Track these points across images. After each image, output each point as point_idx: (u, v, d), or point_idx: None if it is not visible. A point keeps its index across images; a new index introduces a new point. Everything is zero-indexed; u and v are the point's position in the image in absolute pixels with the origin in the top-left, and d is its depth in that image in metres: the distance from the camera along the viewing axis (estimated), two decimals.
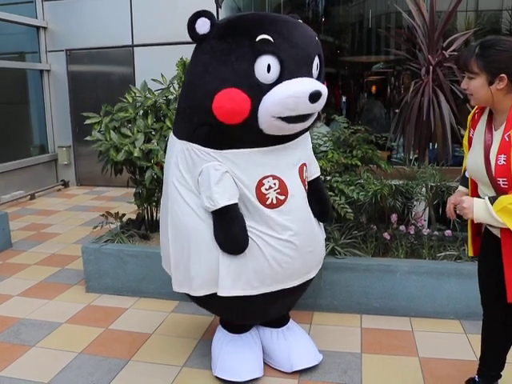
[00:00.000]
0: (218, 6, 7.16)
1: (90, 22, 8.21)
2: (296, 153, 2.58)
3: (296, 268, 2.59)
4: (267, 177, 2.45)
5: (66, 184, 8.78)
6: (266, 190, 2.45)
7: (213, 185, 2.39)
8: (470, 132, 2.26)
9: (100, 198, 7.81)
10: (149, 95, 4.15)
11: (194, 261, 2.52)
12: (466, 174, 2.33)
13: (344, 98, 7.26)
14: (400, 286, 3.45)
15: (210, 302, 2.70)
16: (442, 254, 3.53)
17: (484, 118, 2.18)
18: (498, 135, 2.06)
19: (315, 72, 2.42)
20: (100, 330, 3.42)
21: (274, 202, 2.47)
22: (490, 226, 2.14)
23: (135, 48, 8.18)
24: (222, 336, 2.92)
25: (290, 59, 2.28)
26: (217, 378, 2.79)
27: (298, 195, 2.56)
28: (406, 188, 3.73)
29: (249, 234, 2.46)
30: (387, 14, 6.59)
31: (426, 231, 3.67)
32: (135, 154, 3.84)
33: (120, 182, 4.78)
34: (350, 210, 3.55)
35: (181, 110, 2.60)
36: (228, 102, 2.27)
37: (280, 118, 2.30)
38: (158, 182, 4.11)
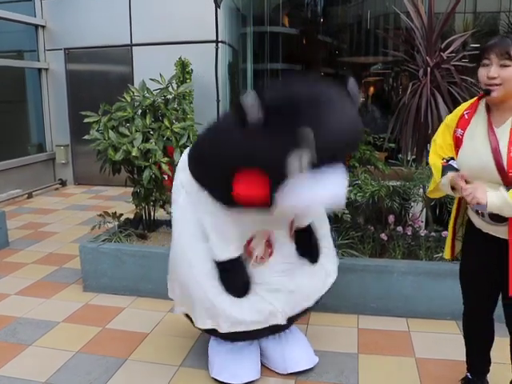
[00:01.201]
0: (217, 6, 7.16)
1: (89, 21, 8.20)
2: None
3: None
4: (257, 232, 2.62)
5: (63, 183, 8.77)
6: (255, 245, 2.64)
7: (218, 235, 2.55)
8: (455, 132, 2.24)
9: (98, 197, 7.81)
10: (147, 95, 4.15)
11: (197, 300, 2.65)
12: (453, 164, 2.25)
13: None
14: (397, 287, 3.46)
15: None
16: (439, 254, 3.53)
17: (480, 117, 2.17)
18: (503, 131, 2.06)
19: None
20: (97, 329, 3.42)
21: (260, 256, 2.65)
22: (495, 224, 2.14)
23: (134, 47, 8.17)
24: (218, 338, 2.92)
25: (325, 152, 2.07)
26: (214, 379, 2.80)
27: (285, 249, 2.71)
28: (403, 189, 3.74)
29: None
30: (385, 15, 6.61)
31: (423, 232, 3.68)
32: (133, 154, 3.84)
33: (118, 181, 4.78)
34: (346, 211, 3.57)
35: (199, 157, 2.64)
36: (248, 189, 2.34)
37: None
38: (156, 182, 4.11)
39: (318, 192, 2.10)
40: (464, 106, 2.31)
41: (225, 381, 2.76)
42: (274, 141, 2.04)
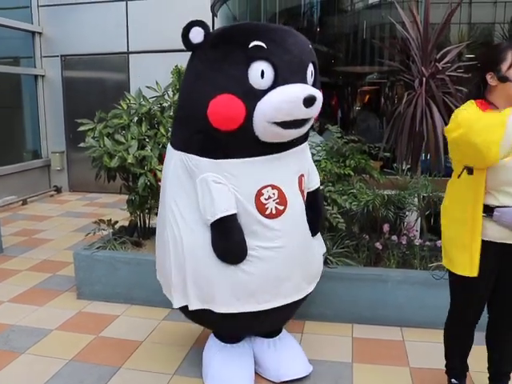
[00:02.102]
0: (214, 14, 7.19)
1: (86, 28, 8.23)
2: (295, 163, 2.58)
3: (285, 279, 2.55)
4: (266, 186, 2.44)
5: (58, 190, 8.75)
6: (266, 199, 2.43)
7: (208, 196, 2.40)
8: None
9: (92, 204, 7.79)
10: (143, 102, 4.16)
11: (190, 276, 2.52)
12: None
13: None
14: (391, 296, 3.46)
15: (203, 317, 2.70)
16: (434, 264, 3.54)
17: None
18: None
19: (310, 79, 2.44)
20: (91, 337, 3.41)
21: (274, 212, 2.45)
22: None
23: (130, 55, 8.19)
24: (213, 344, 2.91)
25: (284, 65, 2.30)
26: None
27: (297, 206, 2.56)
28: (398, 198, 3.75)
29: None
30: (381, 25, 6.63)
31: (417, 241, 3.69)
32: (129, 161, 3.84)
33: (113, 188, 4.77)
34: (341, 220, 3.57)
35: (177, 119, 2.67)
36: (223, 109, 2.29)
37: (276, 123, 2.31)
38: (151, 189, 4.11)
39: (287, 93, 2.27)
40: (468, 110, 2.23)
41: None
42: (232, 61, 2.31)
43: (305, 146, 2.71)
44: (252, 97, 2.28)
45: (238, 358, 2.83)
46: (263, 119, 2.29)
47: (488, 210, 2.20)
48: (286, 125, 2.33)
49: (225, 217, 2.40)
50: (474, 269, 2.23)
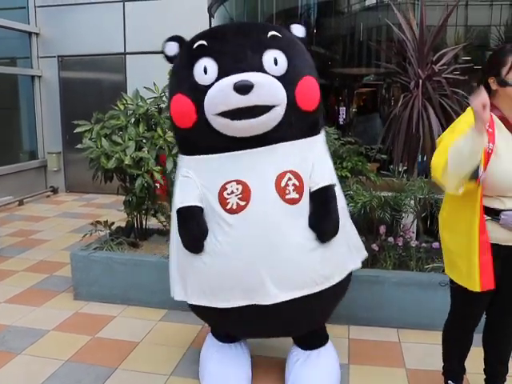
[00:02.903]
0: (211, 15, 7.20)
1: (83, 28, 8.22)
2: (277, 159, 2.46)
3: (242, 278, 2.42)
4: (231, 181, 2.42)
5: (55, 190, 8.74)
6: (228, 194, 2.41)
7: (175, 190, 2.58)
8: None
9: (89, 204, 7.78)
10: (141, 103, 4.16)
11: (176, 267, 2.68)
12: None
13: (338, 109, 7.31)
14: (388, 298, 3.47)
15: (195, 310, 2.75)
16: (430, 265, 3.55)
17: (501, 130, 2.18)
18: None
19: (273, 67, 2.36)
20: (87, 338, 3.41)
21: (234, 207, 2.39)
22: None
23: (127, 55, 8.19)
24: (211, 344, 2.91)
25: (226, 58, 2.35)
26: None
27: (267, 203, 2.41)
28: (394, 200, 3.75)
29: (208, 242, 2.46)
30: (378, 27, 6.65)
31: (414, 243, 3.70)
32: (126, 162, 3.84)
33: (110, 189, 4.78)
34: None
35: None
36: (176, 107, 2.49)
37: (219, 114, 2.32)
38: (148, 190, 4.11)
39: (219, 83, 2.30)
40: (469, 116, 2.17)
41: None
42: (182, 63, 2.52)
43: (301, 143, 2.53)
44: (199, 93, 2.36)
45: (235, 357, 2.82)
46: (209, 113, 2.35)
47: (494, 214, 2.19)
48: (230, 115, 2.31)
49: (180, 208, 2.49)
50: (477, 284, 2.21)
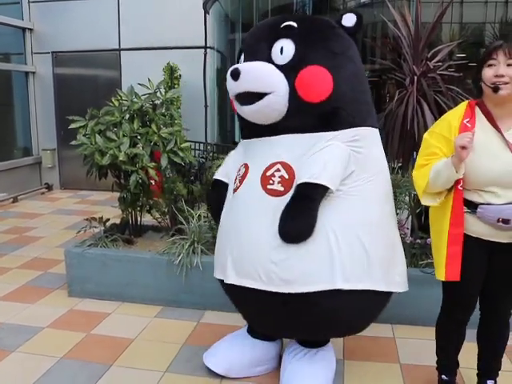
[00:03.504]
0: (206, 12, 7.18)
1: (77, 24, 8.19)
2: (277, 149, 2.47)
3: (221, 254, 2.67)
4: (242, 164, 2.63)
5: (49, 187, 8.71)
6: (238, 175, 2.62)
7: None
8: None
9: (84, 201, 7.77)
10: (135, 99, 4.14)
11: None
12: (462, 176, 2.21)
13: None
14: None
15: None
16: (424, 261, 3.56)
17: (482, 124, 2.20)
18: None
19: (278, 56, 2.42)
20: (82, 335, 3.40)
21: (235, 187, 2.61)
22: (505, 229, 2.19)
23: (122, 52, 8.17)
24: (239, 332, 3.06)
25: (247, 50, 2.58)
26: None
27: (251, 190, 2.48)
28: None
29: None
30: (373, 24, 6.65)
31: (408, 239, 3.70)
32: (120, 158, 3.83)
33: (104, 186, 4.76)
34: None
35: None
36: None
37: (234, 99, 2.55)
38: (143, 187, 4.10)
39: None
40: (453, 114, 2.32)
41: (207, 364, 2.88)
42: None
43: (305, 137, 2.45)
44: None
45: (251, 346, 2.91)
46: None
47: (472, 207, 2.23)
48: (237, 100, 2.53)
49: (212, 180, 2.89)
50: (443, 273, 2.31)
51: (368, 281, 2.42)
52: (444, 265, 2.28)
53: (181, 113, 6.88)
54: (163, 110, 4.22)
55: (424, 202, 2.34)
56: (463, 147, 2.05)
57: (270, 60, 2.42)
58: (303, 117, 2.43)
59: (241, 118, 2.66)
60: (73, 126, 4.12)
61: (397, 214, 3.92)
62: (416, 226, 3.97)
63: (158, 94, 4.24)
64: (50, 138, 8.71)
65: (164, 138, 4.02)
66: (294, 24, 2.45)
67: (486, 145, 2.18)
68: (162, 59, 7.36)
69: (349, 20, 2.57)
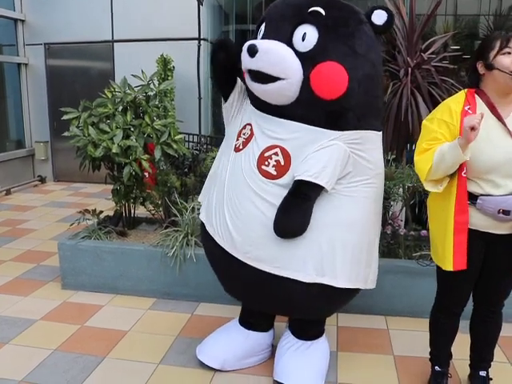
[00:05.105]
0: (200, 2, 7.14)
1: (70, 15, 8.11)
2: (278, 133, 2.43)
3: (213, 214, 2.62)
4: (249, 124, 2.56)
5: (42, 180, 8.66)
6: (243, 134, 2.57)
7: None
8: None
9: (77, 194, 7.73)
10: (128, 91, 4.12)
11: None
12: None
13: None
14: (376, 285, 3.47)
15: None
16: (418, 253, 3.57)
17: (482, 111, 2.17)
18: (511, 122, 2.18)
19: (300, 42, 2.34)
20: (76, 327, 3.39)
21: (240, 147, 2.56)
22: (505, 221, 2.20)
23: (115, 43, 8.10)
24: (231, 324, 3.05)
25: (269, 25, 2.48)
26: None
27: (246, 159, 2.48)
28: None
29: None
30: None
31: (402, 231, 3.71)
32: (113, 151, 3.81)
33: (98, 178, 4.75)
34: None
35: None
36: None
37: (247, 72, 2.46)
38: (136, 179, 4.09)
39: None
40: (454, 101, 2.31)
41: (201, 359, 2.89)
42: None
43: (310, 130, 2.40)
44: None
45: (230, 337, 2.93)
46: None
47: (472, 198, 2.22)
48: (249, 74, 2.44)
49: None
50: (450, 263, 2.27)
51: (330, 276, 2.44)
52: (452, 254, 2.26)
53: (174, 105, 6.89)
54: (157, 102, 4.20)
55: (427, 187, 2.29)
56: (472, 128, 2.02)
57: (290, 43, 2.34)
58: (311, 109, 2.40)
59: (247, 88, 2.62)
60: (65, 117, 4.09)
61: (390, 205, 3.95)
62: (410, 218, 3.98)
63: (152, 85, 4.22)
64: (43, 130, 8.65)
65: (157, 130, 4.00)
66: (322, 11, 2.35)
67: (486, 133, 2.17)
68: (155, 51, 7.31)
69: (379, 17, 2.45)
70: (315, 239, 2.39)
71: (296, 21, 2.37)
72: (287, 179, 2.38)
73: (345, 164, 2.39)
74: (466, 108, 2.23)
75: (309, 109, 2.39)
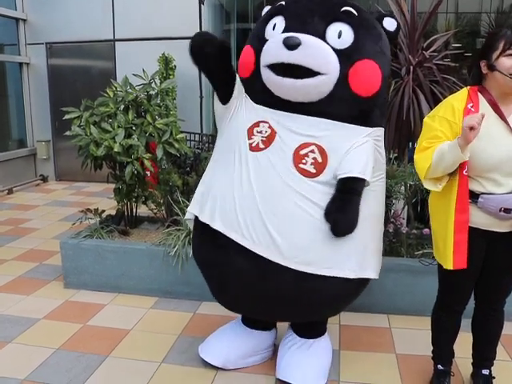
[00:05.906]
0: (201, 2, 7.14)
1: (71, 15, 8.11)
2: (310, 130, 2.41)
3: (233, 210, 2.41)
4: (265, 122, 2.47)
5: (44, 179, 8.67)
6: (258, 132, 2.47)
7: None
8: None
9: (79, 193, 7.74)
10: (130, 90, 4.12)
11: None
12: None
13: None
14: (378, 284, 3.46)
15: None
16: (420, 252, 3.57)
17: (485, 110, 2.18)
18: None
19: (336, 39, 2.35)
20: (78, 326, 3.40)
21: (254, 145, 2.45)
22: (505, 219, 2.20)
23: (117, 42, 8.10)
24: (234, 322, 3.03)
25: (294, 18, 2.43)
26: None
27: (277, 157, 2.40)
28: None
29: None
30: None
31: (404, 229, 3.71)
32: (115, 150, 3.81)
33: (100, 177, 4.75)
34: None
35: None
36: (242, 57, 2.57)
37: (268, 67, 2.38)
38: (138, 178, 4.09)
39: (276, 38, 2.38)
40: (456, 99, 2.30)
41: (204, 358, 2.88)
42: (260, 20, 2.63)
43: (344, 126, 2.43)
44: (261, 45, 2.46)
45: (232, 336, 2.92)
46: (261, 63, 2.43)
47: (473, 196, 2.22)
48: (275, 69, 2.35)
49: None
50: (450, 261, 2.27)
51: (360, 269, 2.48)
52: (452, 253, 2.25)
53: (176, 103, 6.89)
54: (158, 101, 4.21)
55: (426, 185, 2.30)
56: (472, 128, 2.01)
57: (323, 39, 2.34)
58: (344, 106, 2.41)
59: (254, 85, 2.52)
60: (67, 116, 4.10)
61: (392, 204, 3.95)
62: (412, 216, 3.98)
63: (153, 84, 4.22)
64: (45, 129, 8.65)
65: (159, 129, 4.00)
66: (355, 12, 2.42)
67: (488, 131, 2.17)
68: (156, 50, 7.30)
69: (390, 24, 2.58)
70: (354, 235, 2.40)
71: (329, 18, 2.38)
72: (326, 176, 2.37)
73: (374, 160, 2.44)
74: (469, 106, 2.23)
75: (342, 105, 2.41)
